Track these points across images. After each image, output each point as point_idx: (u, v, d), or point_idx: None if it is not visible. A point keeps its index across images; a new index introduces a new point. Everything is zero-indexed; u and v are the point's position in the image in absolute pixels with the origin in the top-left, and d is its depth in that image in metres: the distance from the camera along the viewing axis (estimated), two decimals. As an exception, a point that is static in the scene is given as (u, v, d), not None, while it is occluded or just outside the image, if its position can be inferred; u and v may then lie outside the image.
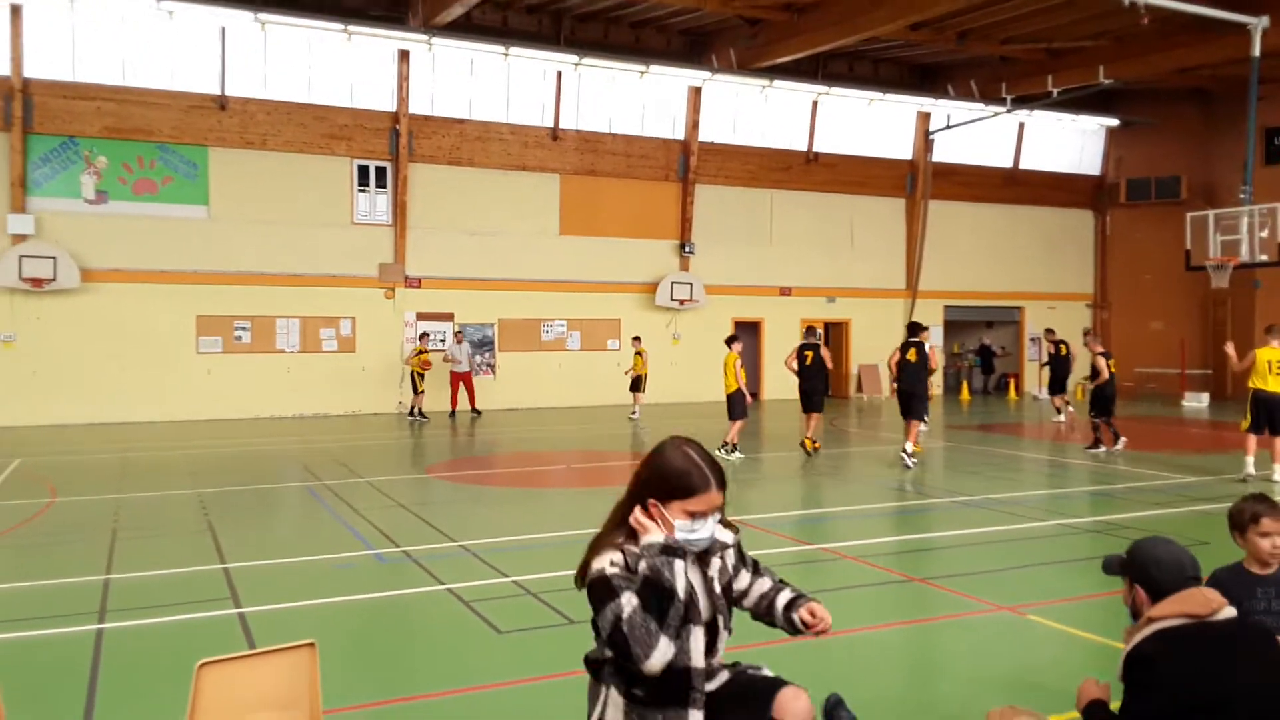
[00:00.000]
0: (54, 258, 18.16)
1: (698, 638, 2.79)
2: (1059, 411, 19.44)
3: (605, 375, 22.84)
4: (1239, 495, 4.14)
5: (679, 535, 2.77)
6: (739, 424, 13.84)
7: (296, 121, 20.10)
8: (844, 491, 11.51)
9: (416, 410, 19.70)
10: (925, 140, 25.91)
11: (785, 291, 25.08)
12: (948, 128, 25.42)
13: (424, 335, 20.44)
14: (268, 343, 20.21)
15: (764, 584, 3.16)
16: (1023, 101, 23.76)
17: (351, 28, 18.36)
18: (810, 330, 15.07)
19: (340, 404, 20.70)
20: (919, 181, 26.07)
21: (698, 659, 2.79)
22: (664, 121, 23.46)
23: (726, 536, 2.99)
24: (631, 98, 23.00)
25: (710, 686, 2.89)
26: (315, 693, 3.36)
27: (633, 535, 2.82)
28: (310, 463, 13.35)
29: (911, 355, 13.46)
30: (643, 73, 21.25)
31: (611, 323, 23.22)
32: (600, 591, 2.72)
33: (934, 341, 13.94)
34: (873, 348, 25.19)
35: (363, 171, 20.86)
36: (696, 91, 23.16)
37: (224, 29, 19.08)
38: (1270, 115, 23.78)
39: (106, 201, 18.90)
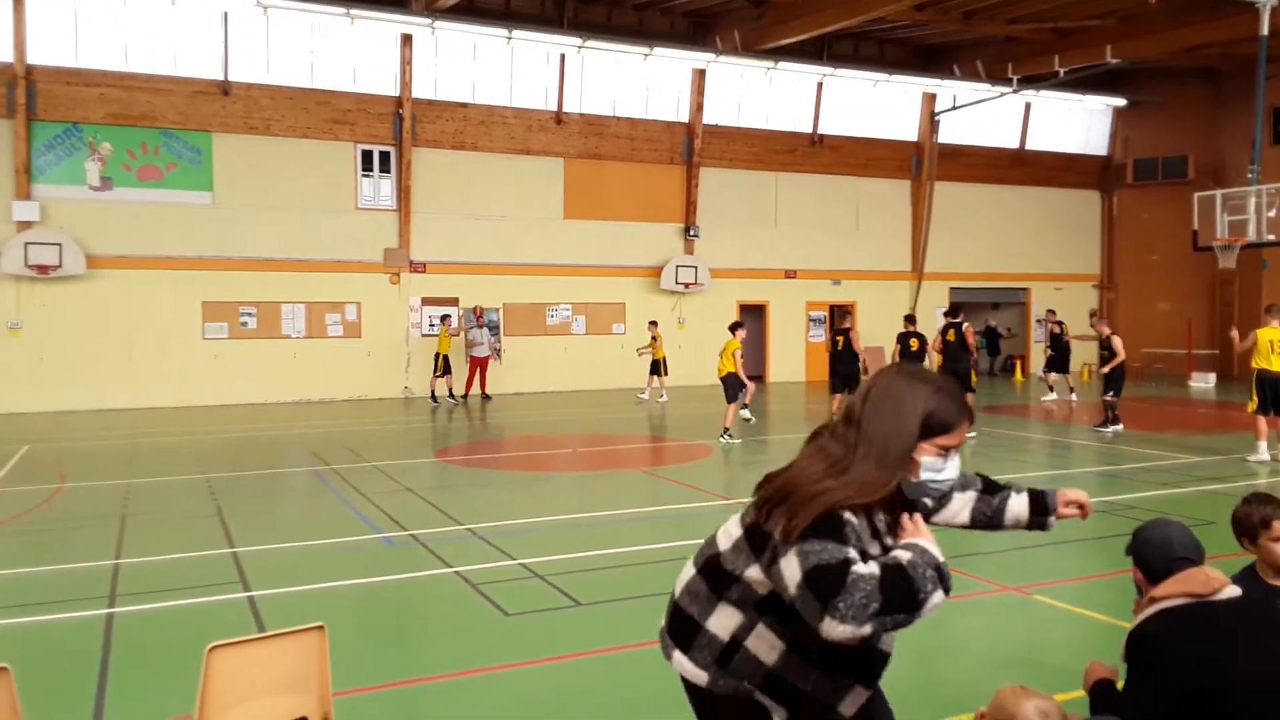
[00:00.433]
0: (59, 244, 18.17)
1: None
2: (1051, 389, 19.64)
3: (610, 359, 22.83)
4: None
5: (924, 475, 2.46)
6: (734, 407, 14.03)
7: (300, 106, 20.05)
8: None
9: (450, 392, 19.78)
10: (931, 121, 25.77)
11: (790, 274, 25.02)
12: (954, 109, 25.25)
13: (445, 317, 20.32)
14: (273, 328, 20.23)
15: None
16: (1029, 82, 23.60)
17: (354, 11, 18.27)
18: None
19: (346, 389, 20.73)
20: (925, 163, 25.95)
21: (888, 646, 2.57)
22: (668, 104, 23.36)
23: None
24: (635, 80, 22.89)
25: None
26: (325, 675, 3.38)
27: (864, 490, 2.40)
28: (317, 447, 13.39)
29: (951, 335, 14.64)
30: (646, 55, 21.13)
31: (616, 306, 23.20)
32: (831, 534, 2.30)
33: (967, 323, 15.00)
34: (878, 331, 25.10)
35: (366, 156, 20.82)
36: (700, 74, 23.04)
37: (226, 13, 19.00)
38: (1279, 94, 23.59)
39: (111, 188, 18.90)
